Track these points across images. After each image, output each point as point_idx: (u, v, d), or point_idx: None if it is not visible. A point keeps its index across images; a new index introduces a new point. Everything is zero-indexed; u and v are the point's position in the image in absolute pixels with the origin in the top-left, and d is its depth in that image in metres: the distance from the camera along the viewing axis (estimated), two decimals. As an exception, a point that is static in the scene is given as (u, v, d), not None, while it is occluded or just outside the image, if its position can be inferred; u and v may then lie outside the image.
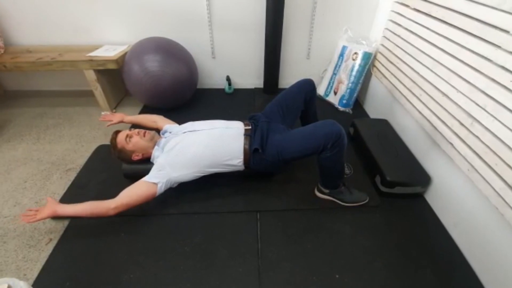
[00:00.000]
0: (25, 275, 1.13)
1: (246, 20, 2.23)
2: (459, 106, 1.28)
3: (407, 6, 1.73)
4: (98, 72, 2.06)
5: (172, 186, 1.34)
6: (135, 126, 1.66)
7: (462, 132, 1.25)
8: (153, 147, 1.43)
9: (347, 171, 1.64)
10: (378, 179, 1.51)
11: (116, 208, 1.21)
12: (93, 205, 1.22)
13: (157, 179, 1.27)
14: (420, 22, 1.58)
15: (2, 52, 2.04)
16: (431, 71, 1.47)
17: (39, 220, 1.19)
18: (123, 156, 1.43)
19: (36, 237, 1.28)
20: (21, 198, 1.47)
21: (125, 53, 2.07)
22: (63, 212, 1.21)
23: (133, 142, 1.40)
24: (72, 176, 1.59)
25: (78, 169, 1.64)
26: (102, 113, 2.18)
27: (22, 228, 1.31)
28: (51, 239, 1.26)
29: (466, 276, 1.18)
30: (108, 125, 1.70)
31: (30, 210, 1.21)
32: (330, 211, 1.42)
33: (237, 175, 1.47)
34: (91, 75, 2.03)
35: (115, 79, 2.27)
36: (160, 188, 1.27)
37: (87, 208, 1.22)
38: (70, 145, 1.86)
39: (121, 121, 1.71)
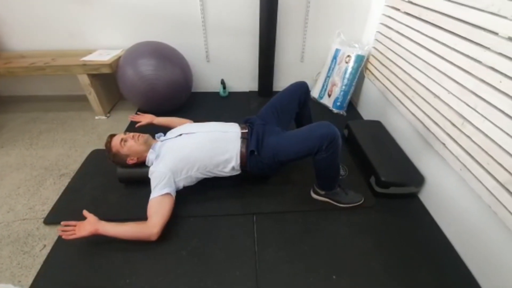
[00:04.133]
0: (19, 281, 1.11)
1: (240, 24, 2.25)
2: (451, 107, 1.30)
3: (397, 9, 1.76)
4: (92, 76, 2.05)
5: (179, 188, 1.34)
6: (129, 130, 1.64)
7: (454, 133, 1.27)
8: (147, 151, 1.42)
9: (342, 172, 1.65)
10: (373, 179, 1.53)
11: (158, 233, 1.18)
12: (135, 228, 1.18)
13: (167, 188, 1.25)
14: (411, 25, 1.61)
15: (-5, 57, 2.03)
16: (423, 73, 1.50)
17: (79, 237, 1.12)
18: (117, 160, 1.42)
19: (30, 243, 1.26)
20: (15, 204, 1.45)
21: (119, 58, 2.07)
22: (105, 231, 1.16)
23: (128, 146, 1.39)
24: (66, 181, 1.58)
25: (72, 174, 1.62)
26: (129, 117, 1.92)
27: (16, 235, 1.29)
28: (45, 245, 1.25)
29: (460, 273, 1.19)
30: (137, 126, 1.68)
31: (68, 225, 1.15)
32: (326, 212, 1.43)
33: (232, 178, 1.46)
34: (84, 79, 2.02)
35: (109, 83, 2.26)
36: (174, 194, 1.28)
37: (129, 230, 1.17)
38: (64, 150, 1.84)
39: (151, 123, 1.68)
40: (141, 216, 1.23)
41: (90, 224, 1.16)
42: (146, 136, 1.45)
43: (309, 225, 1.36)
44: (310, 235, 1.32)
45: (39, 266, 1.16)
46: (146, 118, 1.69)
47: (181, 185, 1.35)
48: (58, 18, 2.11)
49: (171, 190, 1.26)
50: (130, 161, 1.41)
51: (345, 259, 1.22)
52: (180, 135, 1.43)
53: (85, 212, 1.19)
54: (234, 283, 1.12)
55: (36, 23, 2.11)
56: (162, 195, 1.24)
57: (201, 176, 1.39)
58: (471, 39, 1.19)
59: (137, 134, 1.43)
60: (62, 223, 1.15)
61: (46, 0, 2.03)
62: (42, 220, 1.35)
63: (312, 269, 1.18)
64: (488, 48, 1.11)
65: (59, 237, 1.27)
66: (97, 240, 1.24)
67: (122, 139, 1.39)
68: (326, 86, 2.37)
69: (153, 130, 1.58)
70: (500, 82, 1.05)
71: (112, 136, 1.43)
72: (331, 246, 1.27)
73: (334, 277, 1.15)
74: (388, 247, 1.27)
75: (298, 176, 1.62)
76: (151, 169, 1.34)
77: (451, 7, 1.31)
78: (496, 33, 1.08)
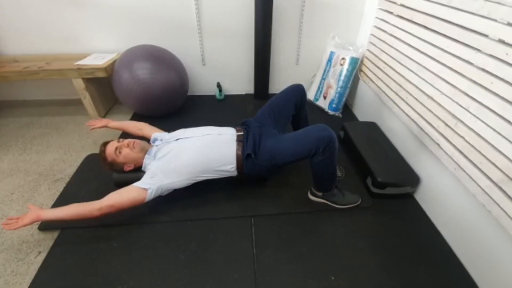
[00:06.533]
0: (13, 289, 1.10)
1: (235, 27, 2.26)
2: (444, 108, 1.32)
3: (391, 13, 1.79)
4: (87, 80, 2.04)
5: (162, 194, 1.32)
6: (123, 135, 1.63)
7: (448, 133, 1.29)
8: (144, 157, 1.41)
9: (339, 173, 1.66)
10: (369, 180, 1.54)
11: (101, 209, 1.17)
12: (77, 207, 1.17)
13: (148, 185, 1.25)
14: (404, 28, 1.64)
15: (-13, 62, 2.00)
16: (416, 74, 1.52)
17: (21, 226, 1.12)
18: (114, 168, 1.42)
19: (25, 250, 1.24)
20: (8, 210, 1.43)
21: (114, 61, 2.06)
22: (46, 216, 1.16)
23: (124, 154, 1.38)
24: (61, 186, 1.56)
25: (67, 179, 1.60)
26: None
27: (10, 242, 1.27)
28: (40, 252, 1.23)
29: (456, 271, 1.21)
30: (91, 129, 1.67)
31: (11, 219, 1.16)
32: (323, 213, 1.43)
33: (230, 180, 1.47)
34: (79, 83, 2.01)
35: (104, 87, 2.25)
36: (150, 195, 1.26)
37: (71, 210, 1.17)
38: (59, 155, 1.82)
39: (105, 126, 1.67)
40: (139, 219, 1.23)
41: (32, 212, 1.15)
42: (143, 143, 1.45)
43: (307, 226, 1.37)
44: (308, 236, 1.32)
45: (34, 274, 1.14)
46: (100, 122, 1.68)
47: (174, 187, 1.34)
48: (52, 22, 2.09)
49: (151, 189, 1.25)
50: (128, 168, 1.41)
51: (343, 260, 1.22)
52: (177, 139, 1.42)
53: (28, 205, 1.19)
54: (233, 286, 1.11)
55: (29, 26, 2.10)
56: (139, 187, 1.24)
57: (197, 178, 1.38)
58: (463, 41, 1.22)
59: (132, 141, 1.42)
60: (7, 218, 1.15)
61: (40, 3, 2.01)
62: (37, 226, 1.33)
63: (310, 270, 1.18)
64: (479, 50, 1.14)
65: (55, 244, 1.25)
66: (93, 245, 1.23)
67: (117, 148, 1.38)
68: (322, 88, 2.39)
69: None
70: (492, 83, 1.07)
71: (105, 144, 1.42)
72: (329, 247, 1.27)
73: (332, 278, 1.15)
74: (385, 247, 1.28)
75: (295, 178, 1.63)
76: (148, 166, 1.36)
77: (443, 10, 1.33)
78: (486, 35, 1.11)
